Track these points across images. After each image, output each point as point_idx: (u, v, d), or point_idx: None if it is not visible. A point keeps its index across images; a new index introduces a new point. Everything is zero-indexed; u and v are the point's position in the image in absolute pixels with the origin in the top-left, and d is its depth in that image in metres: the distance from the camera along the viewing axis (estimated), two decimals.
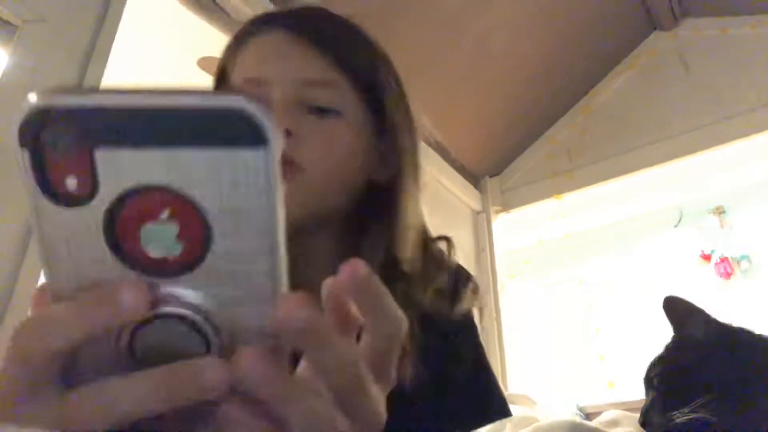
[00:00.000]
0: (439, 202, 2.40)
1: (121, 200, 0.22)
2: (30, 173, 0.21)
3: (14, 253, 0.96)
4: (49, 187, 0.21)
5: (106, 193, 0.21)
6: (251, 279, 0.23)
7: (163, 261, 0.23)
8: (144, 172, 0.21)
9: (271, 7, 1.56)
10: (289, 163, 0.56)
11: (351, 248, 0.62)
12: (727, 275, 3.14)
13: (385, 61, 0.67)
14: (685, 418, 0.58)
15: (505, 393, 1.95)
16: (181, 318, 0.23)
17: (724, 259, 3.16)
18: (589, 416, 2.01)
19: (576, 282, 3.49)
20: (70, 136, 0.21)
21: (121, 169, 0.21)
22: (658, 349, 0.69)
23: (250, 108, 0.21)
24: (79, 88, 0.21)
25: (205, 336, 0.24)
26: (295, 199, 0.55)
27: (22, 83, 1.04)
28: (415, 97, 0.69)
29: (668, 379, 0.64)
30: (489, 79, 2.32)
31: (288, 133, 0.56)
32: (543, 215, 2.81)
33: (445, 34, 2.03)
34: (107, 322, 0.23)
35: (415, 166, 0.67)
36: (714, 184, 3.07)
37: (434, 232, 0.70)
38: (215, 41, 1.57)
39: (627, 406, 1.77)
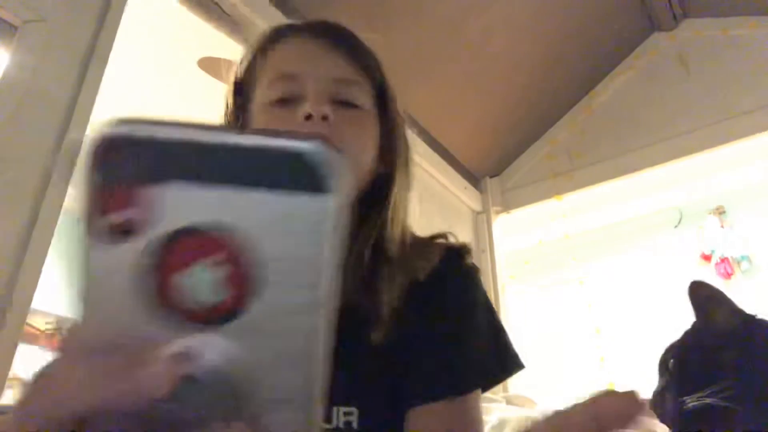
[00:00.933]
0: (439, 202, 2.40)
1: (171, 240, 0.20)
2: (88, 202, 0.20)
3: (14, 253, 0.96)
4: (102, 217, 0.20)
5: (159, 231, 0.20)
6: (289, 337, 0.22)
7: (204, 307, 0.21)
8: (202, 211, 0.20)
9: (270, 7, 1.57)
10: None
11: (349, 235, 0.67)
12: (728, 275, 3.13)
13: (384, 70, 0.76)
14: (698, 402, 0.57)
15: (505, 394, 1.95)
16: (210, 375, 0.22)
17: (724, 260, 3.16)
18: None
19: (576, 282, 3.49)
20: (135, 167, 0.20)
21: (179, 206, 0.20)
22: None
23: (317, 152, 0.20)
24: (147, 120, 0.21)
25: (231, 396, 0.22)
26: None
27: (22, 83, 1.03)
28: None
29: (684, 364, 0.63)
30: (489, 80, 2.32)
31: (325, 118, 0.64)
32: (543, 216, 2.81)
33: (445, 34, 2.03)
34: (127, 399, 0.21)
35: (407, 163, 0.75)
36: (714, 184, 3.07)
37: (435, 232, 0.75)
38: (215, 41, 1.57)
39: None
